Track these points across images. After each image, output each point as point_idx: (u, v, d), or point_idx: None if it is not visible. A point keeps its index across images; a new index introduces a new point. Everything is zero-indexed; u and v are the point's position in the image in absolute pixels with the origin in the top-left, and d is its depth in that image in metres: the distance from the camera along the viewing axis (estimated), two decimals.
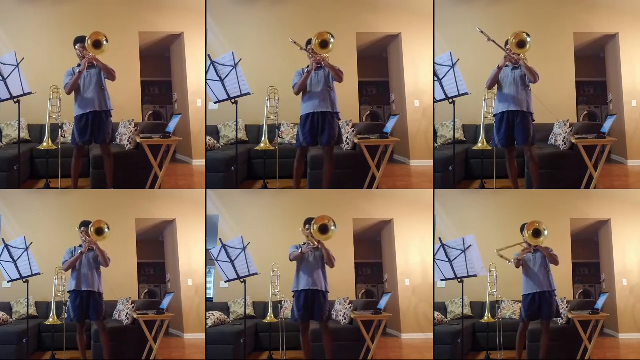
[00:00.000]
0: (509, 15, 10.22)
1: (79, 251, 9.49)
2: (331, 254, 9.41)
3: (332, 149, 9.60)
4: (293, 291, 9.45)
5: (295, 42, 9.45)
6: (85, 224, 9.52)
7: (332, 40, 9.41)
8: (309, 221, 9.39)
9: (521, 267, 9.49)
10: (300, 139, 9.58)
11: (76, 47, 9.49)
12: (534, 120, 9.50)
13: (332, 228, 9.34)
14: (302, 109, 9.54)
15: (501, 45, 9.44)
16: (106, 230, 9.48)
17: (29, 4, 10.27)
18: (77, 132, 9.53)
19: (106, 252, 9.53)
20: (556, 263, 9.52)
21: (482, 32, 9.46)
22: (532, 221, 9.44)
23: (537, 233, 9.42)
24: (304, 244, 9.40)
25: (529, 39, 9.36)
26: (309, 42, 9.45)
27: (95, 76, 9.50)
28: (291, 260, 9.43)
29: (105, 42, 9.42)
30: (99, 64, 9.46)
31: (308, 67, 9.47)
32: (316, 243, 9.34)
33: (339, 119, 9.59)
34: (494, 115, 9.55)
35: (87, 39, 9.41)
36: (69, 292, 9.55)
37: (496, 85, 9.51)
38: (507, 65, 9.42)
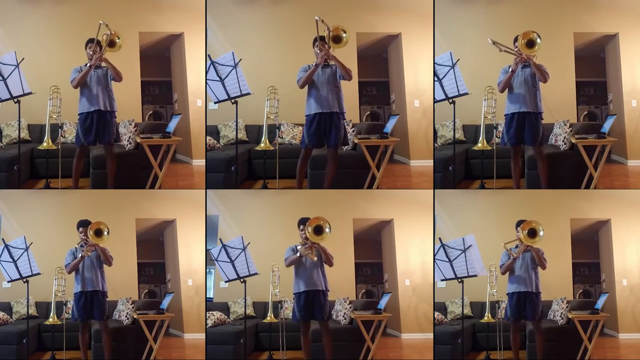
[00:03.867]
0: (508, 15, 10.23)
1: (80, 254, 9.48)
2: (329, 253, 9.39)
3: (336, 151, 9.58)
4: (294, 293, 9.45)
5: (322, 21, 9.32)
6: (83, 224, 9.51)
7: (344, 35, 9.38)
8: (303, 221, 9.37)
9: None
10: (305, 140, 9.54)
11: (87, 47, 9.51)
12: (542, 119, 9.52)
13: (327, 230, 9.32)
14: (308, 108, 9.49)
15: (514, 51, 9.41)
16: (105, 232, 9.47)
17: (29, 4, 10.27)
18: (81, 133, 9.55)
19: (107, 249, 9.53)
20: (543, 267, 9.51)
21: (494, 43, 9.44)
22: (529, 220, 9.43)
23: (532, 233, 9.42)
24: (301, 244, 9.37)
25: (538, 39, 9.36)
26: (317, 39, 9.40)
27: (102, 76, 9.53)
28: (287, 266, 9.42)
29: (117, 39, 9.47)
30: (108, 65, 9.48)
31: (315, 62, 9.42)
32: (312, 246, 9.32)
33: (344, 119, 9.58)
34: (505, 115, 9.55)
35: (104, 37, 9.42)
36: (74, 293, 9.56)
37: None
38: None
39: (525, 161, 9.80)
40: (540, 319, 9.59)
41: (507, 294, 9.54)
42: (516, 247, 9.52)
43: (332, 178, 9.67)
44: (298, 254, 9.32)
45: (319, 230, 9.32)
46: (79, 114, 9.57)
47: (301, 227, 9.38)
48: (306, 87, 9.47)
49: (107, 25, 9.45)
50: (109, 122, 9.57)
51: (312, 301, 9.41)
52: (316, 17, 9.33)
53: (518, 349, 9.68)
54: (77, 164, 9.68)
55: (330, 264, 9.44)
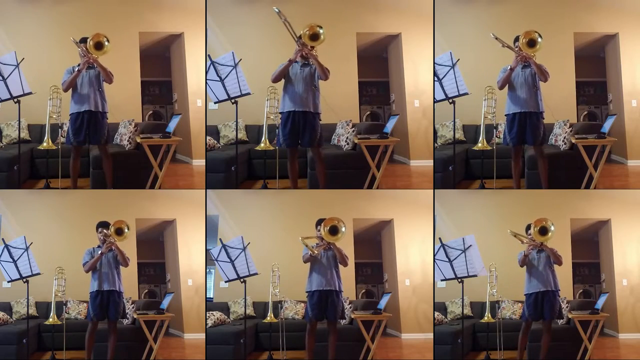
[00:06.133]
0: (509, 15, 10.23)
1: (99, 252, 9.50)
2: (343, 253, 9.40)
3: (319, 149, 9.56)
4: (307, 291, 9.44)
5: (279, 12, 9.31)
6: (102, 225, 9.53)
7: (321, 32, 9.35)
8: (320, 222, 9.37)
9: (525, 266, 9.52)
10: (280, 140, 9.53)
11: (78, 46, 9.51)
12: (543, 119, 9.53)
13: (342, 229, 9.33)
14: (283, 105, 9.47)
15: (514, 49, 9.41)
16: (126, 230, 9.50)
17: (29, 4, 10.27)
18: (71, 132, 9.55)
19: (125, 252, 9.55)
20: (560, 263, 9.53)
21: (496, 38, 9.45)
22: (539, 218, 9.43)
23: (543, 230, 9.41)
24: (316, 244, 9.38)
25: (539, 39, 9.36)
26: (300, 37, 9.41)
27: (94, 77, 9.52)
28: (305, 262, 9.41)
29: (106, 43, 9.43)
30: (98, 66, 9.47)
31: (290, 58, 9.41)
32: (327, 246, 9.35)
33: (320, 120, 9.53)
34: (506, 115, 9.55)
35: (88, 39, 9.42)
36: (90, 292, 9.56)
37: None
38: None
39: (526, 161, 9.81)
40: (552, 318, 9.58)
41: (525, 295, 9.53)
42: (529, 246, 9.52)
43: (324, 177, 9.66)
44: (310, 252, 9.33)
45: (334, 231, 9.33)
46: (70, 114, 9.56)
47: (318, 227, 9.38)
48: (283, 83, 9.45)
49: (77, 42, 9.41)
50: (99, 123, 9.55)
51: (326, 301, 9.40)
52: (274, 8, 9.30)
53: (524, 350, 9.68)
54: (74, 164, 9.68)
55: (345, 264, 9.44)
